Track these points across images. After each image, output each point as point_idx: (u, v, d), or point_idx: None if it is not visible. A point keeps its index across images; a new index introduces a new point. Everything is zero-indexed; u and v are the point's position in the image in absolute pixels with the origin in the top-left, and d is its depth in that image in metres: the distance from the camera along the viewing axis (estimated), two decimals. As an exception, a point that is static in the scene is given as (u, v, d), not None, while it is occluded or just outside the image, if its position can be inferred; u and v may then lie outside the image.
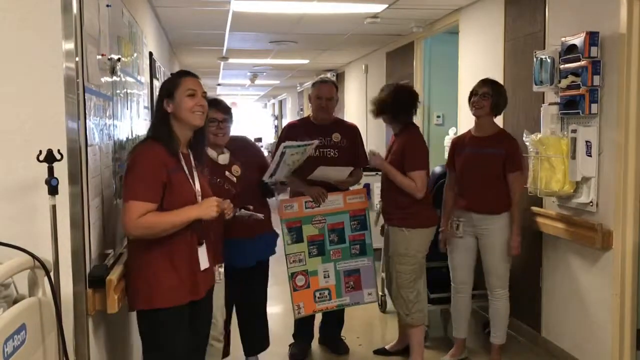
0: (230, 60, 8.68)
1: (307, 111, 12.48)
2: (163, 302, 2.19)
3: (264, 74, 11.25)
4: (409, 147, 3.35)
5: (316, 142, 2.94)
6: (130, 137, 3.10)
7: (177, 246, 2.21)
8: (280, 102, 19.88)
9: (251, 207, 2.91)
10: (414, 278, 3.36)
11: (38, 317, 1.72)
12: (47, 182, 1.87)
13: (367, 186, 4.63)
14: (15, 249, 1.70)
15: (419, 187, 3.28)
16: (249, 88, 14.97)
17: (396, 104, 3.36)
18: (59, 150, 1.90)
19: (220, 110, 2.98)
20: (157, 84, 4.42)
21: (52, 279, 1.81)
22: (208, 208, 2.18)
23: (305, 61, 9.18)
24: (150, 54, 4.35)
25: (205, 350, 2.58)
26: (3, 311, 1.58)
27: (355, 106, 9.15)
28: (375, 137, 7.61)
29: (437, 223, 3.50)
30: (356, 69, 9.04)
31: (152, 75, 4.34)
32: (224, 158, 2.99)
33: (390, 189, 3.42)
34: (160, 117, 2.29)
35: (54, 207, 1.91)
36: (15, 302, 1.71)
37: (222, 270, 2.82)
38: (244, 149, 3.31)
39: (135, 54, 3.40)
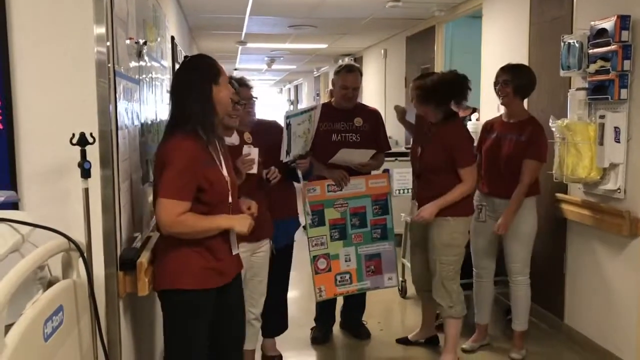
0: (249, 45, 8.66)
1: (324, 96, 12.43)
2: (193, 284, 2.16)
3: (281, 58, 11.21)
4: (457, 141, 3.22)
5: (318, 106, 2.82)
6: (155, 120, 3.11)
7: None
8: (296, 87, 19.83)
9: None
10: (458, 269, 3.29)
11: (73, 298, 1.74)
12: (80, 165, 1.88)
13: (387, 171, 4.61)
14: (52, 231, 1.71)
15: (471, 184, 3.21)
16: (266, 73, 14.93)
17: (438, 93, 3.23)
18: (91, 134, 1.91)
19: (245, 89, 2.95)
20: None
21: (87, 261, 1.83)
22: (242, 225, 2.19)
23: (324, 45, 9.12)
24: (172, 38, 4.34)
25: (243, 335, 2.51)
26: (42, 292, 1.61)
27: (374, 91, 9.09)
28: (394, 121, 7.55)
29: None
30: (375, 54, 8.97)
31: (174, 59, 4.34)
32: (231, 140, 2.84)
33: (433, 184, 3.25)
34: (208, 107, 2.17)
35: (86, 190, 1.92)
36: (49, 284, 1.73)
37: (267, 245, 2.81)
38: (266, 133, 3.12)
39: (159, 38, 3.39)
